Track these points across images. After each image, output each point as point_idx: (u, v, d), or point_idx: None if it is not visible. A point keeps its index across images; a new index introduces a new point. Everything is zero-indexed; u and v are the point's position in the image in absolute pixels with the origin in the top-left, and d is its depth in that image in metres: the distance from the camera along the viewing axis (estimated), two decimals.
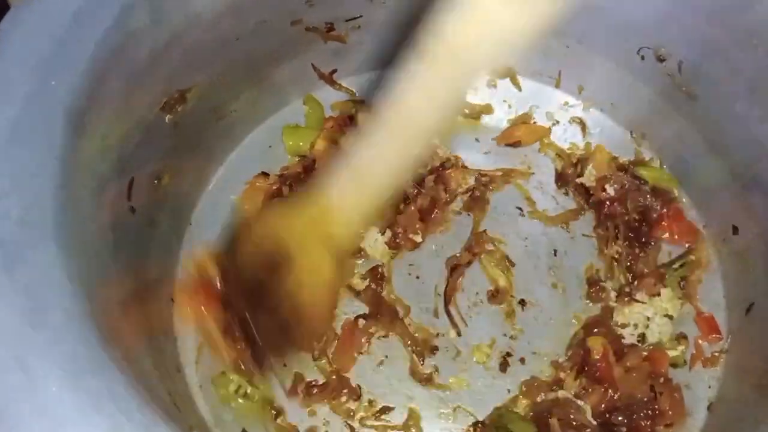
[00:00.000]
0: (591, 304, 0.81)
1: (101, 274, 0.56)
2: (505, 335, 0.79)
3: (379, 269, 0.82)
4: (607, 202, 0.85)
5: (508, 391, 0.77)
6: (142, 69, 0.64)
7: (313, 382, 0.76)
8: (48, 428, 0.41)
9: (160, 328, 0.72)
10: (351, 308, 0.80)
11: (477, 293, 0.81)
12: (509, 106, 0.93)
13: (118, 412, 0.42)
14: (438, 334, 0.79)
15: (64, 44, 0.56)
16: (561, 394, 0.74)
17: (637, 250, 0.83)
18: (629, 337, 0.78)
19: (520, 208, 0.87)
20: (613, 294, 0.81)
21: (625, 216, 0.84)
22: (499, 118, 0.92)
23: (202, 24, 0.69)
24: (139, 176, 0.67)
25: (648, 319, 0.78)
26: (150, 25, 0.63)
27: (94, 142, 0.58)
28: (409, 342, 0.78)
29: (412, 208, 0.84)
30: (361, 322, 0.79)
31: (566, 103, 0.93)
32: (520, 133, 0.91)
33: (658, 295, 0.79)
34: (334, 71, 0.91)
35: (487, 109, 0.93)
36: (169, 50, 0.66)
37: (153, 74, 0.65)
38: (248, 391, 0.73)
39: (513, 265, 0.83)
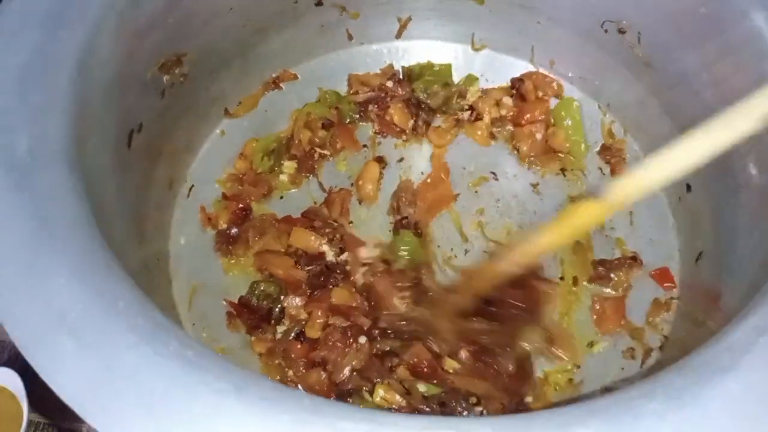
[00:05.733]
0: None
1: (105, 202, 0.62)
2: None
3: None
4: None
5: None
6: (142, 30, 0.70)
7: None
8: (50, 311, 0.47)
9: (156, 266, 0.78)
10: None
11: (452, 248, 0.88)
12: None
13: (118, 297, 0.48)
14: None
15: (70, 3, 0.63)
16: None
17: None
18: None
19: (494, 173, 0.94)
20: None
21: None
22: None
23: None
24: (139, 128, 0.74)
25: None
26: None
27: (98, 92, 0.64)
28: None
29: None
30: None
31: None
32: None
33: None
34: None
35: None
36: (167, 15, 0.73)
37: (152, 35, 0.72)
38: None
39: None
